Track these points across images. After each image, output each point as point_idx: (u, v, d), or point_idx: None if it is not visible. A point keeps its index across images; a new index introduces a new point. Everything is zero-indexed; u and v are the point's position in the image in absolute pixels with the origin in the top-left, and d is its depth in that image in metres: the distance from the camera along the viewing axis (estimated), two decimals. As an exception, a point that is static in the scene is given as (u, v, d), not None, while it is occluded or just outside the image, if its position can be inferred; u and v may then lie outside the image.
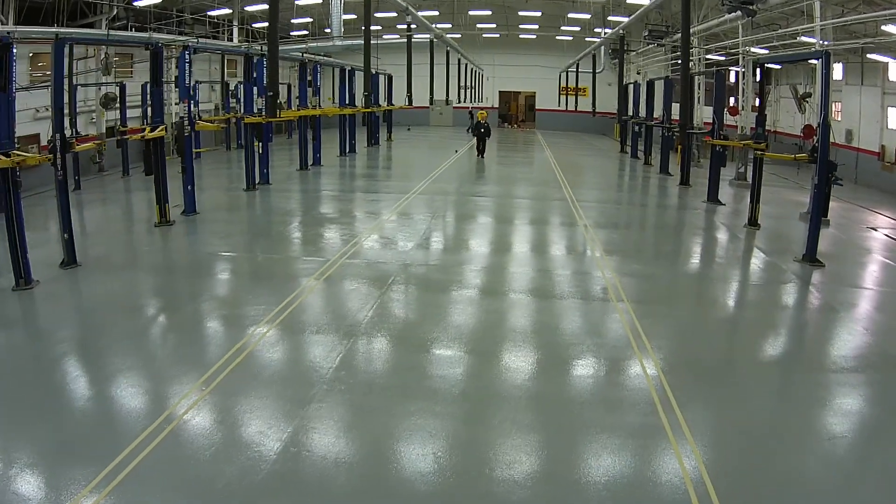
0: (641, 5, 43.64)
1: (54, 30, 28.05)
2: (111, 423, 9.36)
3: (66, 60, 29.25)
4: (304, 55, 41.91)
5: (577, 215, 24.52)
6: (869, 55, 35.91)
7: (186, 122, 21.55)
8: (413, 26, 38.71)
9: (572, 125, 68.52)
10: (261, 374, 10.93)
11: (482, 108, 68.47)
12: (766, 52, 41.81)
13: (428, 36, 46.00)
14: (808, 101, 41.07)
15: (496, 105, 76.77)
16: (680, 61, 27.85)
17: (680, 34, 37.54)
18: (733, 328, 14.54)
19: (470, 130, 44.81)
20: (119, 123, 33.57)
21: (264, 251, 19.03)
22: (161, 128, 20.14)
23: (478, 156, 42.74)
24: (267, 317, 13.31)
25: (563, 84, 68.98)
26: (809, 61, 36.53)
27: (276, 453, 8.55)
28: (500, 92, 77.05)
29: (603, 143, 59.26)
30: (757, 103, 24.55)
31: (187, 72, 22.08)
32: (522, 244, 20.72)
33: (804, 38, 32.65)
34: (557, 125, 71.79)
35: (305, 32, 57.20)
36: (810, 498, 8.11)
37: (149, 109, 34.36)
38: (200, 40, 40.74)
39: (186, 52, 22.11)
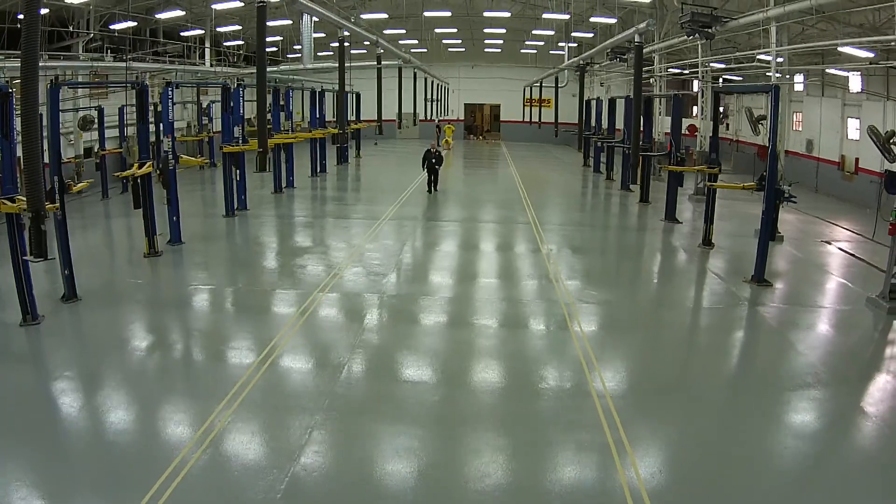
0: (603, 23, 45.16)
1: (46, 64, 29.04)
2: (124, 461, 10.29)
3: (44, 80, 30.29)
4: (276, 80, 42.58)
5: (541, 240, 25.38)
6: (829, 70, 37.39)
7: (171, 157, 22.15)
8: (380, 51, 39.54)
9: (537, 136, 69.31)
10: (259, 408, 12.00)
11: (449, 122, 69.65)
12: (725, 65, 43.31)
13: (397, 63, 46.64)
14: (762, 124, 42.50)
15: (462, 117, 77.83)
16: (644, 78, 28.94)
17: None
18: (679, 355, 15.50)
19: (424, 163, 37.07)
20: (98, 147, 34.44)
21: (250, 284, 19.76)
22: (149, 164, 20.89)
23: (428, 191, 36.60)
24: (262, 353, 14.29)
25: (528, 96, 70.06)
26: (767, 74, 37.78)
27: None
28: (465, 104, 78.10)
29: (567, 156, 60.42)
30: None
31: (170, 107, 22.74)
32: (488, 274, 21.39)
33: (762, 57, 34.02)
34: (522, 136, 73.06)
35: (274, 49, 57.99)
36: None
37: (126, 129, 35.68)
38: (180, 68, 41.65)
39: (169, 88, 22.75)
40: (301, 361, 14.30)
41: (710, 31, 29.26)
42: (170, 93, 22.77)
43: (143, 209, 21.21)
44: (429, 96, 64.78)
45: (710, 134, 25.74)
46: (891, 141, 23.08)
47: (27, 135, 11.75)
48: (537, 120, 67.13)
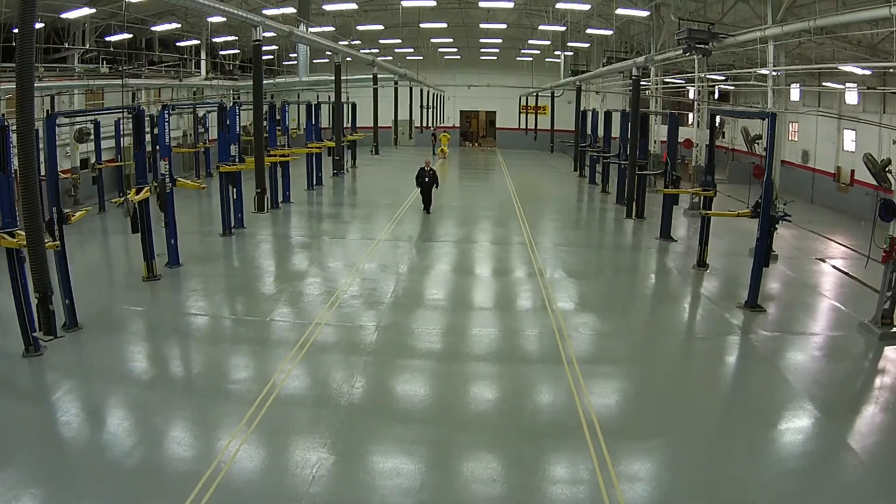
0: (598, 35, 45.34)
1: (42, 84, 29.19)
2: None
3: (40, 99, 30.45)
4: (272, 97, 42.53)
5: (536, 262, 25.38)
6: (825, 83, 37.61)
7: (168, 180, 22.06)
8: (376, 70, 39.66)
9: (533, 144, 69.20)
10: (264, 447, 12.21)
11: (445, 129, 69.67)
12: (722, 77, 43.49)
13: (393, 77, 46.78)
14: (758, 143, 42.65)
15: (457, 124, 78.04)
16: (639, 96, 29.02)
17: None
18: (670, 390, 15.36)
19: (418, 181, 35.00)
20: (95, 160, 34.54)
21: (249, 312, 19.75)
22: (146, 189, 20.97)
23: (424, 210, 34.91)
24: (264, 389, 14.37)
25: (524, 103, 70.09)
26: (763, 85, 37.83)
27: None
28: (461, 111, 78.31)
29: (562, 165, 60.08)
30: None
31: (167, 130, 22.66)
32: (484, 302, 21.28)
33: (760, 71, 34.15)
34: (518, 144, 72.95)
35: (269, 57, 58.18)
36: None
37: (123, 140, 35.81)
38: (175, 83, 41.76)
39: (165, 112, 22.74)
40: (303, 399, 14.41)
41: (706, 47, 29.38)
42: (166, 115, 22.72)
43: (140, 233, 21.22)
44: (425, 104, 64.92)
45: (706, 158, 25.75)
46: (886, 169, 23.23)
47: (27, 201, 11.82)
48: (533, 127, 67.15)
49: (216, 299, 21.06)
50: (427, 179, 34.73)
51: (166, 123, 22.75)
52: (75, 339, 16.96)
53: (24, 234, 15.00)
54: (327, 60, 56.69)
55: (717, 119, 34.69)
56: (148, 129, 23.23)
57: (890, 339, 17.88)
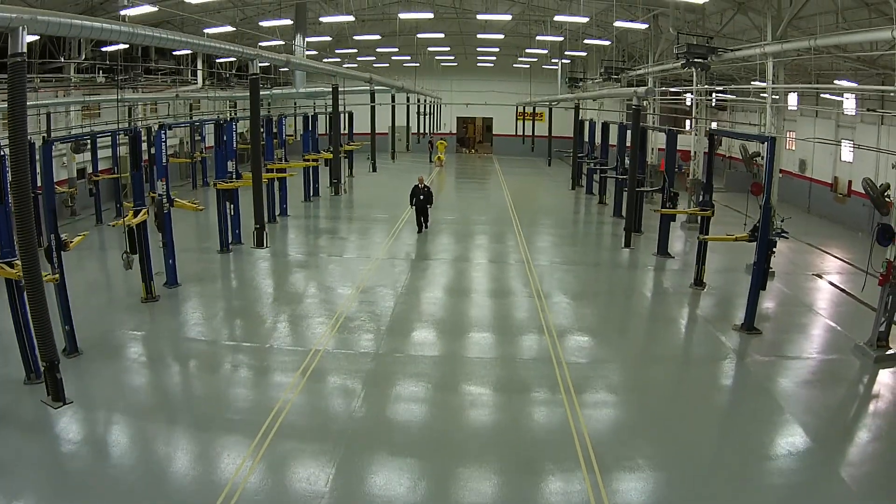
0: (596, 45, 45.42)
1: (37, 102, 29.19)
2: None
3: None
4: (269, 108, 42.40)
5: (533, 282, 25.32)
6: (823, 94, 37.67)
7: (165, 200, 22.15)
8: (374, 87, 39.61)
9: (529, 150, 68.54)
10: (266, 480, 12.33)
11: (441, 136, 69.56)
12: (721, 89, 43.49)
13: (391, 91, 46.77)
14: (756, 161, 42.62)
15: (454, 131, 78.17)
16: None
17: (636, 72, 39.01)
18: (665, 421, 15.30)
19: (412, 200, 33.72)
20: (92, 172, 34.50)
21: (248, 337, 19.74)
22: (143, 211, 21.00)
23: (419, 231, 33.64)
24: (265, 423, 14.40)
25: (521, 110, 69.91)
26: (761, 95, 37.64)
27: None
28: (457, 117, 78.38)
29: (560, 173, 59.77)
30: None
31: (164, 151, 22.52)
32: (481, 326, 21.06)
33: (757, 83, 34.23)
34: (514, 150, 72.92)
35: (265, 65, 58.00)
36: None
37: (119, 150, 35.83)
38: (172, 96, 41.75)
39: (162, 132, 22.53)
40: (304, 431, 14.43)
41: (705, 61, 29.37)
42: (163, 136, 22.53)
43: (139, 254, 21.11)
44: (422, 111, 64.83)
45: (704, 177, 25.75)
46: (885, 194, 23.31)
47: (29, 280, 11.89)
48: (530, 134, 66.97)
49: (215, 323, 20.99)
50: (422, 197, 33.45)
51: (163, 144, 22.57)
52: (76, 365, 16.91)
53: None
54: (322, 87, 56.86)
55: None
56: (145, 138, 23.13)
57: (885, 362, 17.99)
